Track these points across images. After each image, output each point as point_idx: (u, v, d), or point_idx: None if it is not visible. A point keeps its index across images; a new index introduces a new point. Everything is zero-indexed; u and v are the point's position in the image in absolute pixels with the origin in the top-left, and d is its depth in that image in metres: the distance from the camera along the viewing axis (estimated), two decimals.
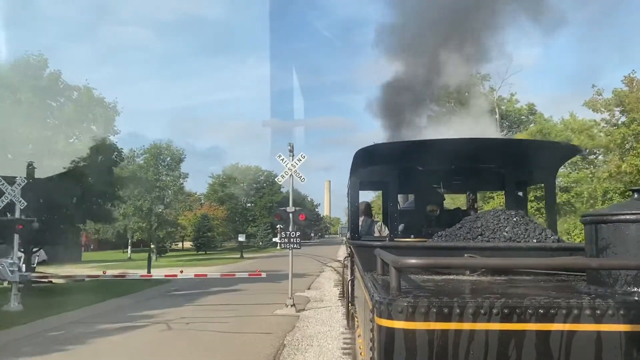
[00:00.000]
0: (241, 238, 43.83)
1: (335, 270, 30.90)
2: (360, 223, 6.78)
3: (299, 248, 14.95)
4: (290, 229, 14.97)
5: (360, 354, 4.12)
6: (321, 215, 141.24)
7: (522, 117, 40.48)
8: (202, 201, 75.28)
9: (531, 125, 39.74)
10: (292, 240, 14.72)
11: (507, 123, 39.97)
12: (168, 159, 41.65)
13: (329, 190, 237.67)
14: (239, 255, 45.61)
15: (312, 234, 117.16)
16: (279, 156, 14.98)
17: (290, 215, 14.94)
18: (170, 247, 71.50)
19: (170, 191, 41.60)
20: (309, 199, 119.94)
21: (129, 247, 49.84)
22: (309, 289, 20.84)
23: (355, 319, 5.86)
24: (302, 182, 14.96)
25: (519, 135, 37.55)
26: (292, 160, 14.90)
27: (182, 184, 43.51)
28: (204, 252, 58.76)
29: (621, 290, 2.66)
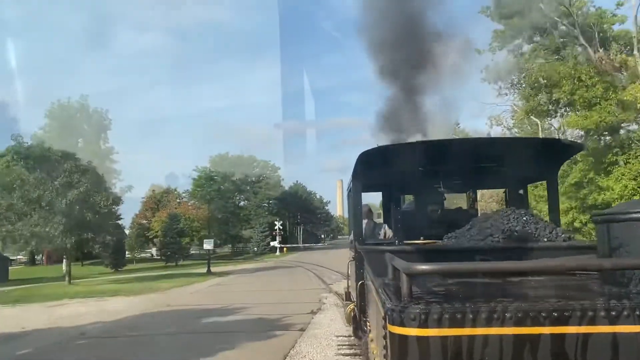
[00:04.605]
0: (208, 245, 30.18)
1: (343, 301, 16.37)
2: (364, 226, 6.75)
3: None
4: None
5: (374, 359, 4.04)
6: (333, 215, 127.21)
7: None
8: (184, 199, 61.24)
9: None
10: None
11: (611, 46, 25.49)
12: (84, 126, 27.74)
13: (341, 189, 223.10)
14: (205, 270, 31.29)
15: (322, 236, 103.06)
16: None
17: None
18: (149, 255, 58.10)
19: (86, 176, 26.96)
20: (317, 197, 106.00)
21: (64, 260, 36.13)
22: None
23: (367, 323, 5.64)
24: None
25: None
26: None
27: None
28: (174, 264, 44.87)
29: (636, 289, 2.62)
